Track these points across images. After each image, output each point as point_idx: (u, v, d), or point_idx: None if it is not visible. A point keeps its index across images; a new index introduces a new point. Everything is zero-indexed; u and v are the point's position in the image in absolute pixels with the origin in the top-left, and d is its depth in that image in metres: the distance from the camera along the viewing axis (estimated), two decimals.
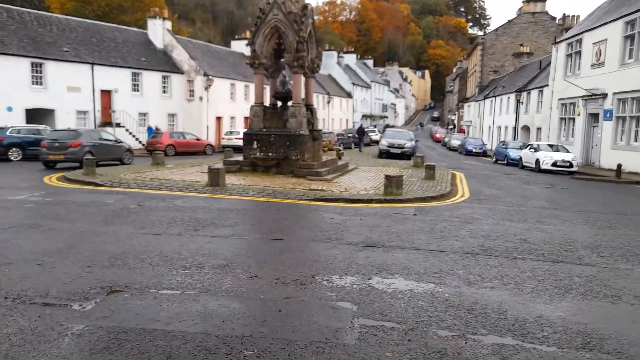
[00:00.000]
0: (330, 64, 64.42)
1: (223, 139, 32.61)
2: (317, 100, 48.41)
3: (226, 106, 36.33)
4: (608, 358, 3.57)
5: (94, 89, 28.04)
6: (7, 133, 20.12)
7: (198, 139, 29.68)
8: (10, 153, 19.88)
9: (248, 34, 33.68)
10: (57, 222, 7.73)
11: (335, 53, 68.09)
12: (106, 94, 28.97)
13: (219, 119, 35.71)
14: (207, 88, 33.23)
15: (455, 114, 76.78)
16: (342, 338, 3.78)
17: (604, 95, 22.63)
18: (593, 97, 23.47)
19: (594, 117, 24.10)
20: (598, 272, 5.83)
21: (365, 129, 44.69)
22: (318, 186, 12.51)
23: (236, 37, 48.19)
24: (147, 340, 3.61)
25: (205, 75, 33.27)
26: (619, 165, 18.78)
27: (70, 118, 26.76)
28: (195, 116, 33.75)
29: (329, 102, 56.59)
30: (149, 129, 30.49)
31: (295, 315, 4.22)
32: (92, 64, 28.03)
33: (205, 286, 4.83)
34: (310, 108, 16.31)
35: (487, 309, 4.47)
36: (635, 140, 20.43)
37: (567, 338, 3.90)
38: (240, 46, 42.30)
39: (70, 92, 26.79)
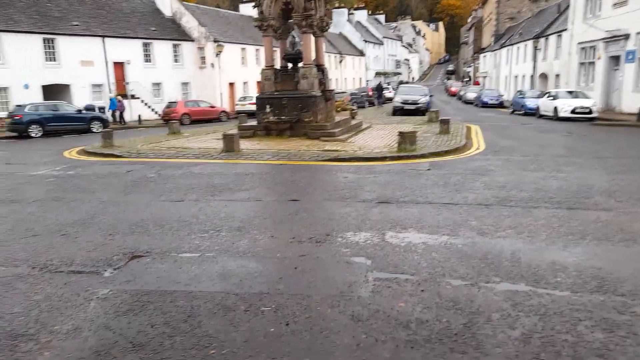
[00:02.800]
0: (341, 21, 62.85)
1: (237, 104, 32.58)
2: (329, 60, 47.60)
3: (238, 72, 36.06)
4: (622, 300, 3.59)
5: (106, 62, 28.09)
6: (26, 110, 20.49)
7: (212, 107, 29.73)
8: (30, 130, 20.30)
9: None
10: (78, 194, 7.95)
11: (345, 10, 66.29)
12: (119, 66, 29.02)
13: (231, 85, 35.54)
14: (218, 54, 32.93)
15: (470, 66, 74.75)
16: (356, 291, 3.88)
17: (627, 36, 21.67)
18: (614, 38, 22.50)
19: (615, 59, 23.19)
20: (614, 217, 5.79)
21: (382, 87, 44.39)
22: (332, 147, 12.50)
23: (244, 0, 47.18)
24: (168, 301, 3.77)
25: (215, 41, 32.91)
26: None
27: (86, 92, 27.02)
28: (208, 84, 33.64)
29: (341, 62, 55.60)
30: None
31: (310, 271, 4.33)
32: (103, 36, 27.97)
33: (223, 248, 4.97)
34: (321, 68, 16.07)
35: (500, 258, 4.51)
36: None
37: (580, 282, 3.93)
38: (248, 9, 41.41)
39: (83, 66, 26.91)
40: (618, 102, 22.74)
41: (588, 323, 3.25)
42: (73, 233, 5.65)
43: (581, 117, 20.37)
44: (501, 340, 3.08)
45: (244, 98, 32.54)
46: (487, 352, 2.95)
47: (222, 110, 30.29)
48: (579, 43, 26.95)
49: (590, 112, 20.43)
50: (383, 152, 11.56)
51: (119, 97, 27.31)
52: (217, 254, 4.82)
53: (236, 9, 47.26)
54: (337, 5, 63.92)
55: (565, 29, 29.42)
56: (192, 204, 6.95)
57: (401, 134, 11.63)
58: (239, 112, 27.95)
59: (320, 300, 3.71)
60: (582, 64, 27.03)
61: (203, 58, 33.71)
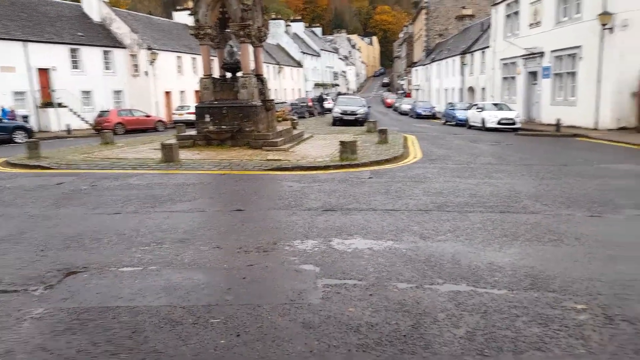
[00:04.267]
0: (278, 33, 63.18)
1: (174, 114, 31.66)
2: (268, 71, 47.63)
3: (174, 80, 35.11)
4: (554, 296, 3.87)
5: (29, 68, 26.28)
6: None
7: (148, 116, 28.68)
8: None
9: (190, 4, 32.31)
10: (4, 208, 7.36)
11: (282, 22, 66.73)
12: (44, 73, 27.25)
13: (168, 93, 34.52)
14: (152, 62, 31.89)
15: (404, 79, 77.71)
16: (306, 298, 3.89)
17: (542, 54, 23.54)
18: (532, 55, 24.36)
19: (534, 75, 25.10)
20: (542, 219, 6.24)
21: (323, 97, 45.63)
22: (275, 156, 12.48)
23: (177, 7, 46.16)
24: (110, 317, 3.58)
25: (149, 48, 31.86)
26: (558, 120, 19.79)
27: (7, 100, 25.07)
28: (143, 92, 32.45)
29: (279, 72, 55.76)
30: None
31: (259, 281, 4.29)
32: (25, 41, 26.17)
33: (166, 261, 4.80)
34: (260, 78, 16.04)
35: (442, 260, 4.70)
36: (572, 96, 21.50)
37: (516, 281, 4.18)
38: (183, 17, 40.61)
39: (3, 72, 25.00)
40: (538, 114, 24.58)
41: (525, 319, 3.47)
42: (0, 250, 5.22)
43: (506, 128, 21.78)
44: (448, 339, 3.21)
45: (182, 107, 31.72)
46: (435, 351, 3.07)
47: (159, 119, 29.30)
48: (501, 59, 28.90)
49: (514, 123, 21.90)
50: (326, 161, 11.70)
51: (12, 107, 24.93)
52: (161, 267, 4.64)
53: (169, 16, 46.13)
54: (274, 16, 64.19)
55: (489, 46, 31.45)
56: (131, 217, 6.66)
57: (343, 143, 11.85)
58: (176, 122, 27.15)
59: (270, 310, 3.68)
60: (505, 78, 28.97)
61: (136, 66, 32.51)
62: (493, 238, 5.41)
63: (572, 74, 21.44)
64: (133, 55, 32.38)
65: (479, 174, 9.91)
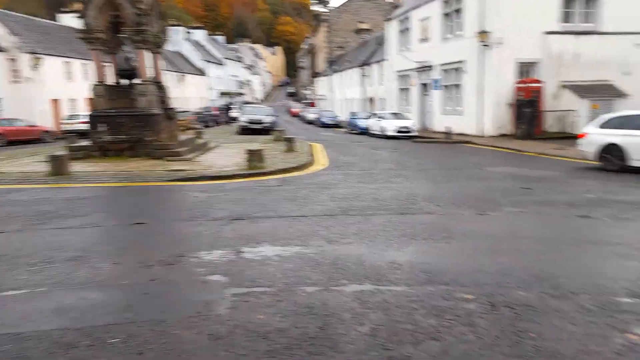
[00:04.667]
0: (179, 40, 61.17)
1: (64, 123, 29.12)
2: (169, 79, 45.82)
3: (63, 87, 32.35)
4: (446, 288, 4.19)
5: None
6: None
7: (32, 126, 26.05)
8: None
9: (77, 6, 30.18)
10: None
11: (182, 29, 64.71)
12: None
13: (55, 101, 31.69)
14: (35, 67, 29.10)
15: (309, 89, 79.32)
16: (214, 309, 3.81)
17: (431, 67, 25.50)
18: (423, 68, 26.27)
19: (426, 86, 27.05)
20: (436, 218, 6.74)
21: (230, 106, 45.15)
22: (179, 166, 12.04)
23: (62, 9, 42.72)
24: None
25: (32, 53, 29.05)
26: (449, 128, 21.51)
27: None
28: (26, 100, 29.42)
29: (182, 80, 53.95)
30: None
31: (163, 295, 4.12)
32: None
33: (57, 281, 4.42)
34: (160, 85, 15.42)
35: (347, 262, 4.88)
36: (459, 106, 23.50)
37: (414, 277, 4.47)
38: (70, 20, 37.63)
39: None
40: (431, 122, 26.50)
41: (422, 311, 3.72)
42: None
43: (404, 136, 23.17)
44: (353, 337, 3.34)
45: (73, 116, 29.30)
46: (341, 349, 3.17)
47: (45, 129, 26.77)
48: (397, 71, 30.77)
49: (410, 131, 23.37)
50: (232, 170, 11.55)
51: None
52: (51, 287, 4.26)
53: (53, 18, 42.53)
54: (173, 22, 62.05)
55: (384, 59, 33.34)
56: (14, 235, 6.02)
57: (250, 151, 11.79)
58: (67, 132, 25.02)
59: (175, 324, 3.55)
60: (401, 89, 30.86)
61: (17, 71, 29.46)
62: (393, 238, 5.73)
63: (458, 86, 23.45)
64: (12, 60, 29.31)
65: (380, 179, 10.43)
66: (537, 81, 20.14)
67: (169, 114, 15.26)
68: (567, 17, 20.99)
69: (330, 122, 37.66)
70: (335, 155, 15.93)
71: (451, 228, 6.19)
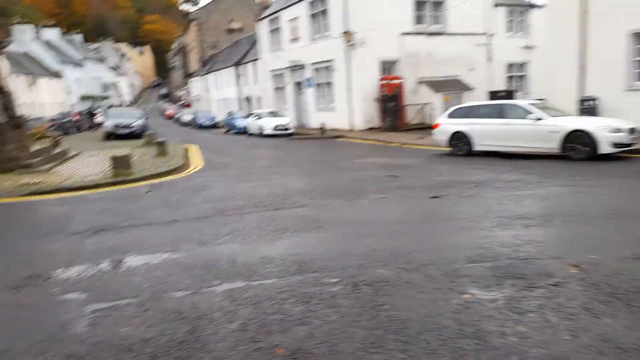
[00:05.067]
0: (27, 40, 54.63)
1: None
2: (17, 83, 40.68)
3: None
4: (315, 275, 4.39)
5: None
6: None
7: None
8: None
9: None
10: None
11: (30, 27, 57.88)
12: None
13: None
14: None
15: (183, 90, 76.37)
16: (70, 329, 3.54)
17: (303, 66, 26.26)
18: (295, 67, 26.95)
19: (300, 85, 27.79)
20: (308, 211, 7.00)
21: (93, 111, 41.50)
22: (31, 179, 10.80)
23: None
24: None
25: None
26: (323, 124, 22.38)
27: None
28: None
29: (33, 84, 48.25)
30: None
31: (9, 323, 3.71)
32: None
33: None
34: (3, 91, 13.64)
35: (219, 263, 4.85)
36: (332, 103, 24.56)
37: (285, 269, 4.61)
38: None
39: None
40: (307, 119, 27.28)
41: (291, 300, 3.87)
42: None
43: (281, 134, 23.55)
44: (223, 335, 3.35)
45: None
46: (211, 349, 3.17)
47: None
48: (271, 70, 31.11)
49: (288, 129, 23.82)
50: (96, 179, 10.69)
51: None
52: None
53: None
54: (18, 20, 55.20)
55: (258, 59, 33.48)
56: None
57: (114, 158, 11.02)
58: None
59: (24, 351, 3.23)
60: (276, 88, 31.26)
61: None
62: (266, 234, 5.83)
63: (330, 84, 24.48)
64: None
65: (257, 177, 10.49)
66: (398, 78, 21.87)
67: (17, 122, 13.58)
68: (419, 20, 23.10)
69: (207, 123, 36.76)
70: (211, 156, 15.63)
71: (322, 218, 6.48)
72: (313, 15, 24.81)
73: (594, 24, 14.82)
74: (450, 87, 22.49)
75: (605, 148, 9.88)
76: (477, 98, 20.29)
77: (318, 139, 21.44)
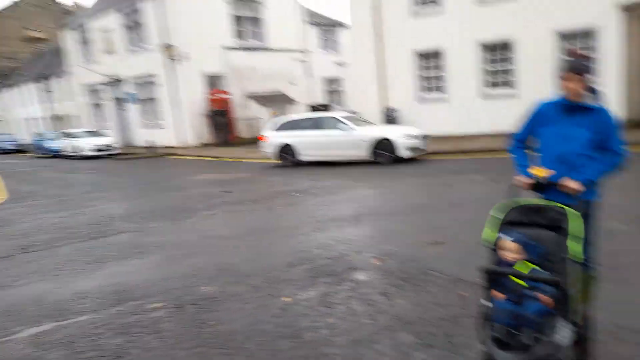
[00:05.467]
0: None
1: None
2: None
3: None
4: (136, 303, 4.23)
5: None
6: None
7: None
8: None
9: None
10: None
11: None
12: None
13: None
14: None
15: None
16: None
17: (122, 81, 24.66)
18: (114, 82, 25.13)
19: (121, 101, 25.95)
20: (131, 236, 6.65)
21: None
22: None
23: None
24: None
25: None
26: (151, 142, 21.29)
27: None
28: None
29: None
30: None
31: None
32: None
33: None
34: None
35: (24, 306, 4.34)
36: (160, 119, 23.50)
37: (102, 302, 4.33)
38: None
39: None
40: (133, 137, 25.58)
41: (108, 334, 3.67)
42: None
43: (104, 154, 21.66)
44: None
45: None
46: None
47: None
48: (85, 85, 28.39)
49: (110, 149, 22.02)
50: None
51: None
52: None
53: None
54: None
55: (68, 72, 30.30)
56: None
57: None
58: None
59: None
60: (94, 104, 28.61)
61: None
62: (82, 267, 5.39)
63: (154, 100, 23.41)
64: None
65: (73, 205, 9.52)
66: (225, 92, 22.04)
67: None
68: (240, 35, 23.64)
69: (11, 147, 31.87)
70: (16, 185, 13.63)
71: (146, 243, 6.23)
72: (128, 27, 23.48)
73: (387, 43, 17.15)
74: (276, 101, 23.51)
75: (404, 153, 11.50)
76: (300, 111, 21.65)
77: (146, 157, 20.30)
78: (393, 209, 7.10)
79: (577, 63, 2.84)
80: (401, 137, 11.62)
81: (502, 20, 14.45)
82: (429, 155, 12.36)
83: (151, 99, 23.60)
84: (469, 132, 14.93)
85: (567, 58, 2.91)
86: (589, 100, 2.86)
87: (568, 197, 2.80)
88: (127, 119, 25.83)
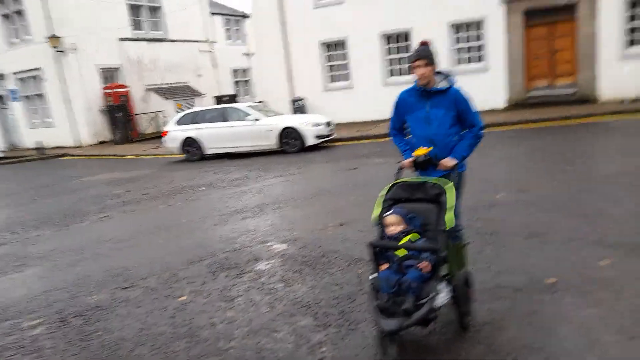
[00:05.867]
0: None
1: None
2: None
3: None
4: (11, 323, 3.81)
5: None
6: None
7: None
8: None
9: None
10: None
11: None
12: None
13: None
14: None
15: None
16: None
17: (2, 76, 22.18)
18: None
19: (2, 98, 23.35)
20: (11, 248, 5.98)
21: None
22: None
23: None
24: None
25: None
26: (40, 143, 19.41)
27: None
28: None
29: None
30: None
31: None
32: None
33: None
34: None
35: None
36: (48, 117, 21.47)
37: None
38: None
39: None
40: (19, 139, 23.16)
41: None
42: None
43: None
44: None
45: None
46: None
47: None
48: None
49: None
50: None
51: None
52: None
53: None
54: None
55: None
56: None
57: None
58: None
59: None
60: None
61: None
62: None
63: (41, 96, 21.33)
64: None
65: None
66: (123, 86, 20.65)
67: None
68: (137, 25, 22.22)
69: None
70: None
71: (27, 254, 5.64)
72: (6, 16, 21.07)
73: (292, 34, 17.13)
74: (181, 93, 22.50)
75: (310, 140, 11.56)
76: (208, 103, 20.97)
77: (35, 160, 18.47)
78: (298, 196, 7.09)
79: (422, 50, 3.09)
80: (308, 125, 11.65)
81: (402, 11, 15.04)
82: (336, 142, 12.56)
83: (37, 96, 21.47)
84: (373, 118, 15.39)
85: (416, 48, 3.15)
86: (441, 83, 3.13)
87: (444, 172, 3.09)
88: (11, 119, 23.29)
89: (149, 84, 22.09)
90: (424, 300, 2.47)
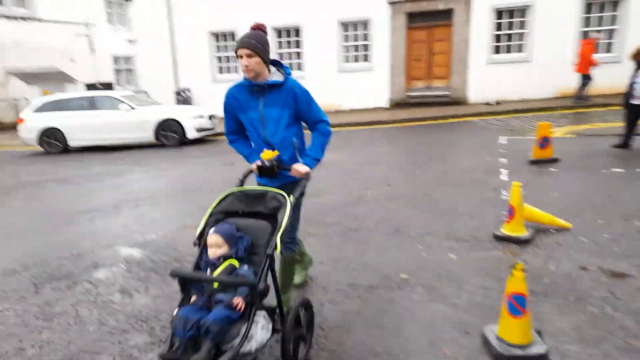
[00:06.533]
0: None
1: None
2: None
3: None
4: None
5: None
6: None
7: None
8: None
9: None
10: None
11: None
12: None
13: None
14: None
15: None
16: None
17: None
18: None
19: None
20: None
21: None
22: None
23: None
24: None
25: None
26: None
27: None
28: None
29: None
30: None
31: None
32: None
33: None
34: None
35: None
36: None
37: None
38: None
39: None
40: None
41: None
42: None
43: None
44: None
45: None
46: None
47: None
48: None
49: None
50: None
51: None
52: None
53: None
54: None
55: None
56: None
57: None
58: None
59: None
60: None
61: None
62: None
63: None
64: None
65: None
66: None
67: None
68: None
69: None
70: None
71: None
72: None
73: (179, 22, 16.14)
74: (49, 79, 20.09)
75: (191, 133, 10.86)
76: (81, 90, 19.01)
77: None
78: (162, 194, 6.49)
79: (247, 37, 2.48)
80: (189, 117, 10.93)
81: (292, 5, 14.88)
82: (218, 136, 11.97)
83: None
84: None
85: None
86: (274, 76, 2.59)
87: (291, 178, 2.68)
88: None
89: (10, 66, 19.45)
90: (228, 345, 1.97)
